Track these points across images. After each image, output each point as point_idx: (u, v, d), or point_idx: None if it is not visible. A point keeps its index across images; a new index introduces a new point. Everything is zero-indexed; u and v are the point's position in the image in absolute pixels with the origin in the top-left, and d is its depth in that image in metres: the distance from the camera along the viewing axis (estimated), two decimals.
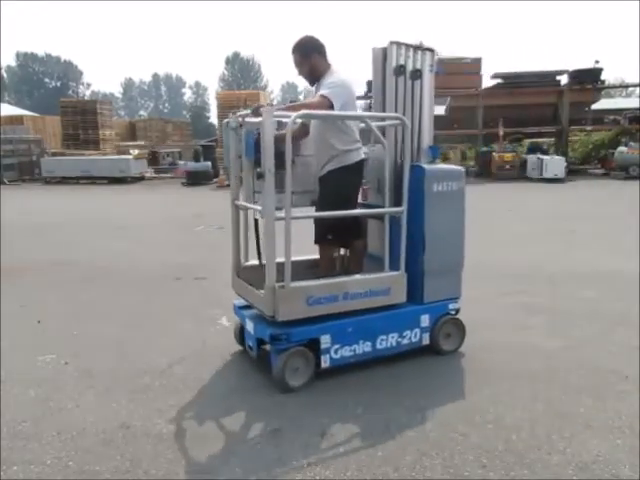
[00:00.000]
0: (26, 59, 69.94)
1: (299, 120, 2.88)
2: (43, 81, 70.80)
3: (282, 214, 2.79)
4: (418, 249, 3.21)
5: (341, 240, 3.42)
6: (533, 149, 19.80)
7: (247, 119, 3.10)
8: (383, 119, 3.28)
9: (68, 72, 71.21)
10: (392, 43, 3.17)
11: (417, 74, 3.24)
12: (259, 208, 2.96)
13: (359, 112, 3.24)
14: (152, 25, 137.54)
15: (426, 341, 3.30)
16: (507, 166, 18.07)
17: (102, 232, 8.58)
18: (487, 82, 21.18)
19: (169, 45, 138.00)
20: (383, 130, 3.21)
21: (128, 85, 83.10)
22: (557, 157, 17.79)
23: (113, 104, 34.96)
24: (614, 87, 35.26)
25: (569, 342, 3.60)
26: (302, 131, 3.37)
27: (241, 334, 3.42)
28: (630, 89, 47.85)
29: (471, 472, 2.21)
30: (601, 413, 2.65)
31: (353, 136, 3.25)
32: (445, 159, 19.09)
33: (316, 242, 3.37)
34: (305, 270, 3.39)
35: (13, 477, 2.22)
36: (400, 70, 3.19)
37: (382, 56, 3.23)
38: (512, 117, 19.45)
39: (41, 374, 3.20)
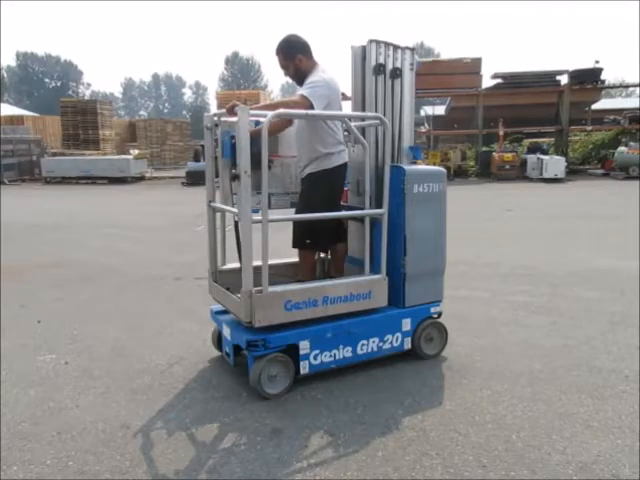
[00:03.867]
0: (26, 59, 69.99)
1: (275, 120, 2.77)
2: (43, 81, 70.85)
3: (260, 217, 2.70)
4: (399, 252, 3.16)
5: (320, 245, 3.35)
6: (533, 149, 19.84)
7: (223, 118, 3.01)
8: (363, 119, 3.21)
9: (68, 72, 71.29)
10: (371, 41, 3.11)
11: (397, 73, 3.19)
12: (235, 211, 2.88)
13: (338, 111, 3.16)
14: (152, 25, 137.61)
15: (408, 345, 3.25)
16: (507, 166, 18.09)
17: (102, 232, 8.58)
18: (487, 82, 21.23)
19: (169, 45, 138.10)
20: (363, 130, 3.16)
21: (128, 85, 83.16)
22: (557, 157, 17.81)
23: (113, 104, 34.93)
24: (614, 87, 35.28)
25: (569, 342, 3.60)
26: (284, 123, 3.26)
27: (219, 340, 3.36)
28: (630, 89, 47.96)
29: (471, 472, 2.21)
30: (601, 413, 2.66)
31: (336, 138, 3.15)
32: (446, 159, 19.12)
33: (294, 246, 3.30)
34: (285, 274, 3.34)
35: (13, 477, 2.22)
36: (380, 69, 3.12)
37: (361, 55, 3.17)
38: (512, 117, 19.48)
39: (41, 374, 3.20)
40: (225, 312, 3.30)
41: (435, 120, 25.53)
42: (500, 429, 2.52)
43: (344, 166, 3.23)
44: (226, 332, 3.11)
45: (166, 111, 76.74)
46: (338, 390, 2.94)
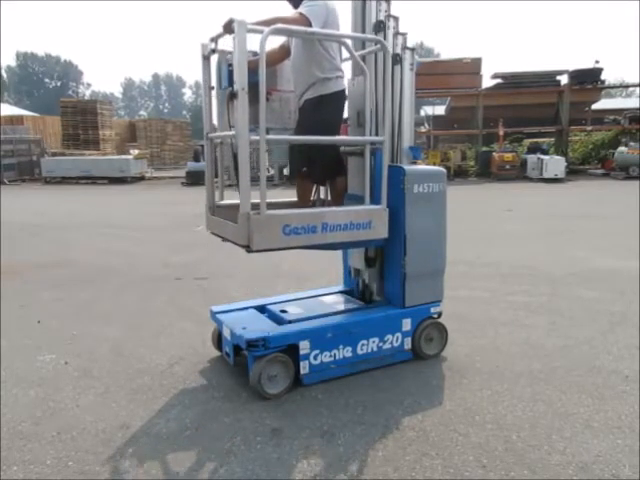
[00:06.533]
0: (26, 59, 70.02)
1: (272, 36, 2.63)
2: (43, 81, 70.89)
3: (257, 137, 2.60)
4: (399, 252, 3.15)
5: (317, 174, 3.23)
6: (533, 149, 19.82)
7: (220, 47, 2.91)
8: (362, 41, 3.13)
9: (68, 72, 71.34)
10: None
11: (397, 59, 3.13)
12: (232, 133, 2.76)
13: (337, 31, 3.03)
14: (152, 25, 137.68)
15: (408, 346, 3.25)
16: (507, 166, 18.09)
17: (102, 232, 8.59)
18: (487, 82, 21.22)
19: (169, 45, 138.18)
20: (363, 59, 3.08)
21: (128, 85, 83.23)
22: (557, 157, 17.81)
23: (113, 104, 34.92)
24: (614, 87, 35.27)
25: (569, 342, 3.60)
26: (282, 53, 3.18)
27: (219, 340, 3.35)
28: (630, 89, 47.94)
29: (471, 472, 2.21)
30: (601, 413, 2.66)
31: (334, 63, 3.04)
32: (446, 159, 19.12)
33: (292, 176, 3.21)
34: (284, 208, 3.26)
35: (13, 477, 2.22)
36: (380, 26, 3.06)
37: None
38: (512, 117, 19.48)
39: (41, 374, 3.20)
40: (225, 312, 3.30)
41: (435, 120, 25.51)
42: (500, 429, 2.52)
43: (342, 93, 3.12)
44: (226, 332, 3.11)
45: (166, 111, 76.82)
46: (338, 390, 2.93)
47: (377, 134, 3.08)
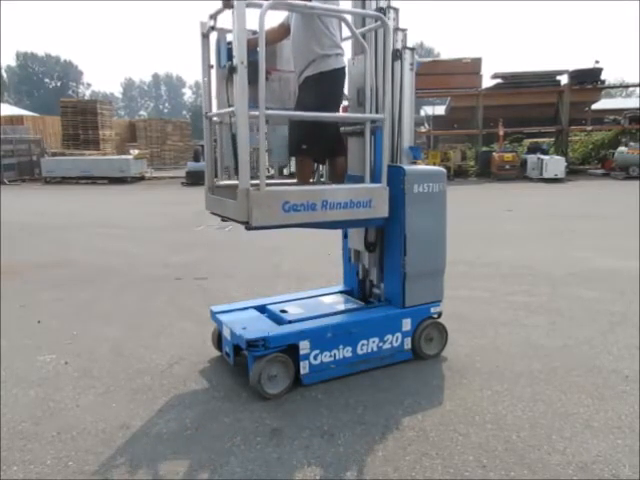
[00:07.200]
0: (26, 59, 70.01)
1: (272, 11, 2.60)
2: (43, 81, 70.89)
3: (257, 112, 2.57)
4: (399, 251, 3.16)
5: (316, 151, 3.20)
6: (533, 149, 19.82)
7: (219, 26, 2.89)
8: (362, 17, 3.13)
9: (68, 72, 71.35)
10: None
11: (397, 54, 3.12)
12: (231, 109, 2.73)
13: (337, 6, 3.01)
14: (152, 25, 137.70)
15: (408, 345, 3.25)
16: (507, 166, 18.09)
17: (102, 232, 8.59)
18: (487, 82, 21.22)
19: (169, 45, 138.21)
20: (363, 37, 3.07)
21: (128, 85, 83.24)
22: (557, 157, 17.80)
23: (113, 104, 34.90)
24: (614, 87, 35.27)
25: (569, 342, 3.60)
26: (281, 32, 3.17)
27: (219, 340, 3.35)
28: (630, 89, 47.95)
29: (471, 472, 2.21)
30: (601, 413, 2.66)
31: (334, 40, 3.03)
32: (446, 159, 19.12)
33: (290, 154, 3.22)
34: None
35: (13, 477, 2.22)
36: (380, 12, 3.03)
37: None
38: (512, 117, 19.48)
39: (41, 374, 3.20)
40: (225, 312, 3.30)
41: (435, 120, 25.51)
42: (500, 429, 2.52)
43: (342, 71, 3.10)
44: (226, 332, 3.11)
45: (166, 111, 76.82)
46: (338, 390, 2.94)
47: (377, 113, 3.07)
